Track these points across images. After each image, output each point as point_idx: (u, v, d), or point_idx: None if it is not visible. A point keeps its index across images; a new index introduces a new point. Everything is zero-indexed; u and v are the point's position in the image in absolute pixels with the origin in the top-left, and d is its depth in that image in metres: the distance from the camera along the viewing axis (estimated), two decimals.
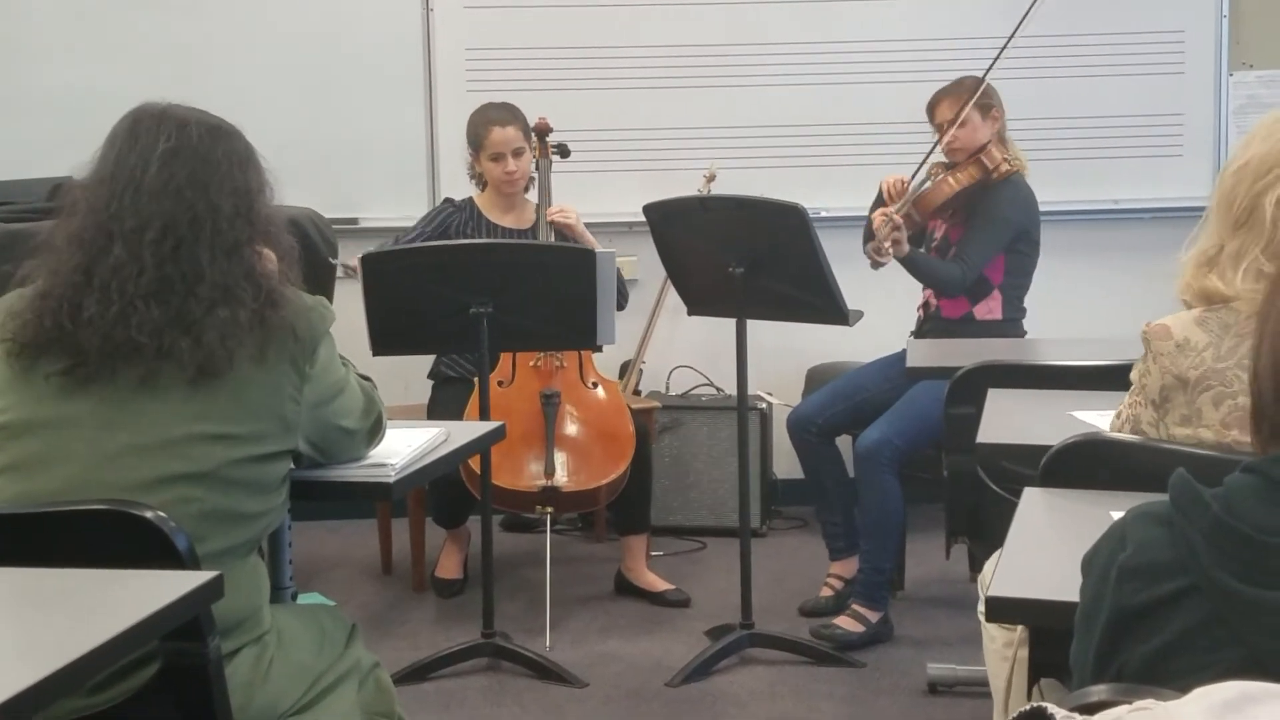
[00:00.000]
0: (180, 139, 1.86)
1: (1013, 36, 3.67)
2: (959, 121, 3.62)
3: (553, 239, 3.92)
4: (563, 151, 4.00)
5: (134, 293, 1.80)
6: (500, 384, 3.82)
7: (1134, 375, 2.00)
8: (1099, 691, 1.10)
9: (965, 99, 3.64)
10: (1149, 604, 1.13)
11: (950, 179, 3.64)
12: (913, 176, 3.67)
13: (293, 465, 1.99)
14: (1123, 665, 1.14)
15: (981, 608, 2.28)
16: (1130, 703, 0.98)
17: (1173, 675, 1.09)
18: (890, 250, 3.53)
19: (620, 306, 3.87)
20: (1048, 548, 1.71)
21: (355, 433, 2.03)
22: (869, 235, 3.65)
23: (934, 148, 3.68)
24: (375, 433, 2.08)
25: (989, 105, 3.68)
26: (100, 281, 1.80)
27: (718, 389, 4.56)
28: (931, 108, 3.72)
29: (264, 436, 1.85)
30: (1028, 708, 0.97)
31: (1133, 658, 1.14)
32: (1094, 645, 1.16)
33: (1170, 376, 1.90)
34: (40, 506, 1.73)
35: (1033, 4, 3.71)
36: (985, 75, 3.67)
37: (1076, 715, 0.95)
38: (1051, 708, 0.95)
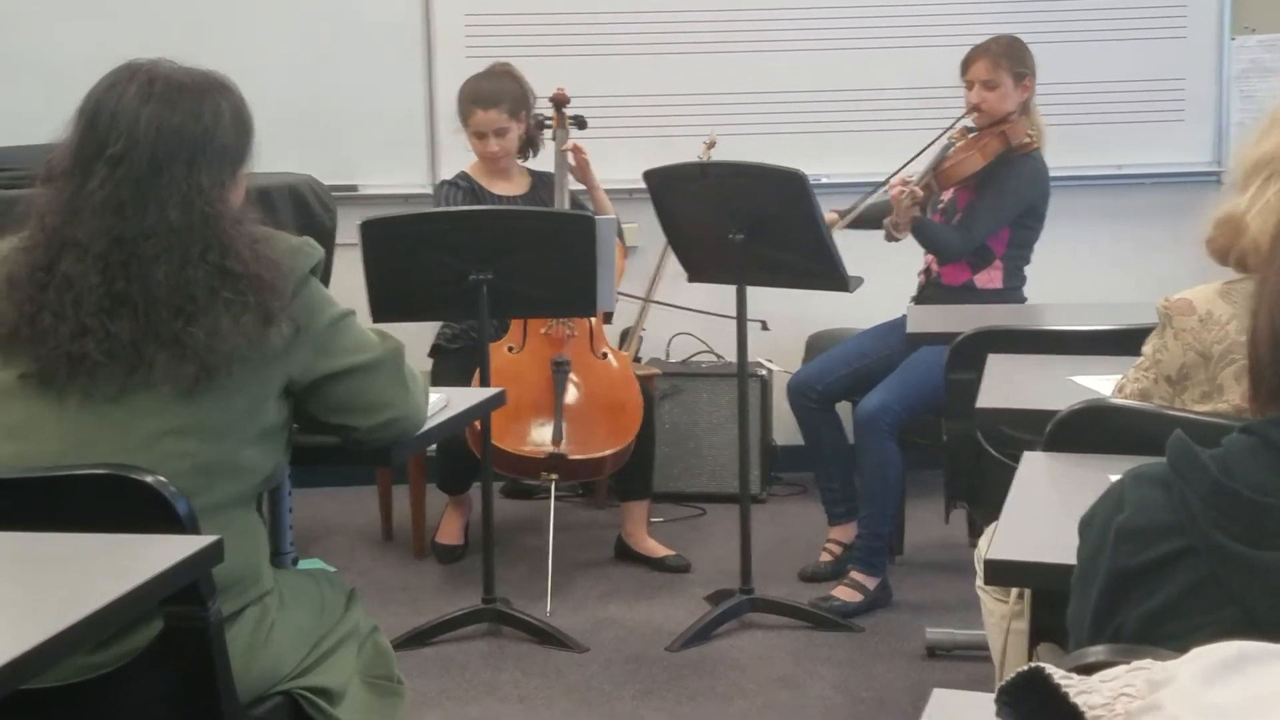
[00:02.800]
0: (128, 143, 1.78)
1: None
2: (992, 86, 3.60)
3: (566, 197, 3.91)
4: (580, 123, 3.99)
5: (87, 309, 1.76)
6: (510, 349, 3.82)
7: (1147, 350, 1.95)
8: (1096, 652, 1.10)
9: (1003, 64, 3.61)
10: (1146, 565, 1.13)
11: (976, 154, 3.61)
12: (925, 148, 3.66)
13: (358, 440, 1.94)
14: (1120, 626, 1.14)
15: (980, 581, 2.29)
16: (1128, 663, 0.98)
17: (1170, 636, 1.10)
18: (909, 225, 3.52)
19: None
20: (1047, 511, 1.71)
21: (379, 363, 1.92)
22: (875, 215, 3.65)
23: (963, 117, 3.65)
24: (399, 360, 1.97)
25: (1023, 73, 3.65)
26: (56, 288, 1.77)
27: (718, 356, 4.56)
28: (967, 64, 3.68)
29: (253, 377, 1.82)
30: (1025, 668, 0.97)
31: (1130, 619, 1.14)
32: (1091, 606, 1.16)
33: (1193, 353, 1.86)
34: (40, 471, 1.73)
35: None
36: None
37: (1074, 675, 0.95)
38: (1049, 668, 0.95)
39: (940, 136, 3.67)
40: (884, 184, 3.64)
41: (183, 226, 1.79)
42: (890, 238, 3.61)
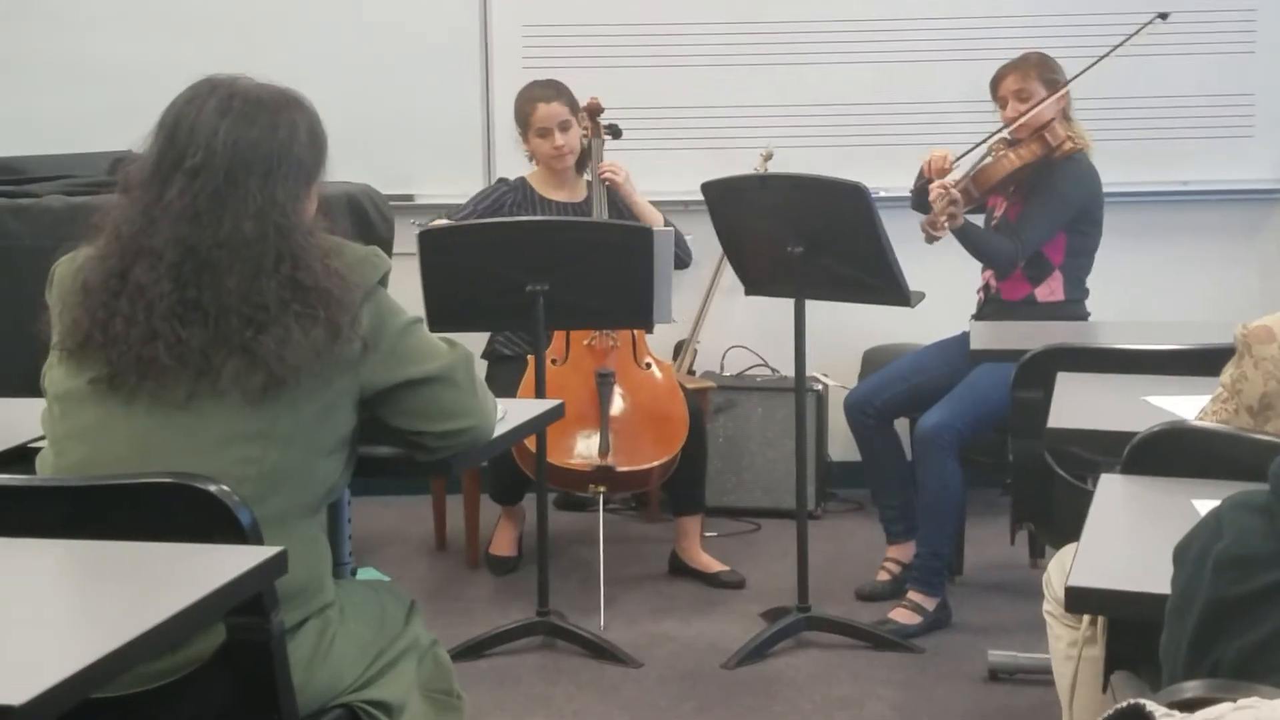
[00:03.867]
0: (206, 154, 1.80)
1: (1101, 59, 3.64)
2: (1024, 96, 3.57)
3: (605, 209, 3.90)
4: (614, 132, 3.98)
5: (158, 314, 1.77)
6: (554, 362, 3.80)
7: (1225, 379, 1.90)
8: (1193, 687, 1.06)
9: (1033, 74, 3.58)
10: (1247, 596, 1.09)
11: (1011, 155, 3.58)
12: (964, 155, 3.61)
13: (427, 447, 1.93)
14: (1218, 659, 1.10)
15: (1047, 605, 2.24)
16: (1228, 699, 0.94)
17: (1271, 670, 1.05)
18: (945, 224, 3.48)
19: (685, 264, 3.87)
20: (1128, 537, 1.66)
21: (453, 370, 1.91)
22: (921, 205, 3.61)
23: (1004, 128, 3.61)
24: (471, 368, 1.96)
25: (1054, 81, 3.62)
26: (129, 295, 1.79)
27: (773, 370, 4.52)
28: (996, 81, 3.66)
29: (324, 387, 1.82)
30: (1124, 704, 0.93)
31: (1228, 651, 1.09)
32: (1187, 638, 1.12)
33: (1275, 382, 1.79)
34: (105, 479, 1.73)
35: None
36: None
37: (1176, 713, 0.91)
38: (1149, 704, 0.92)
39: (979, 145, 3.62)
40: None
41: (256, 238, 1.80)
42: (929, 238, 3.56)
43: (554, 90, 3.88)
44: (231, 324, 1.77)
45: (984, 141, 3.64)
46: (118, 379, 1.79)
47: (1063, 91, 3.59)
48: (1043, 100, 3.57)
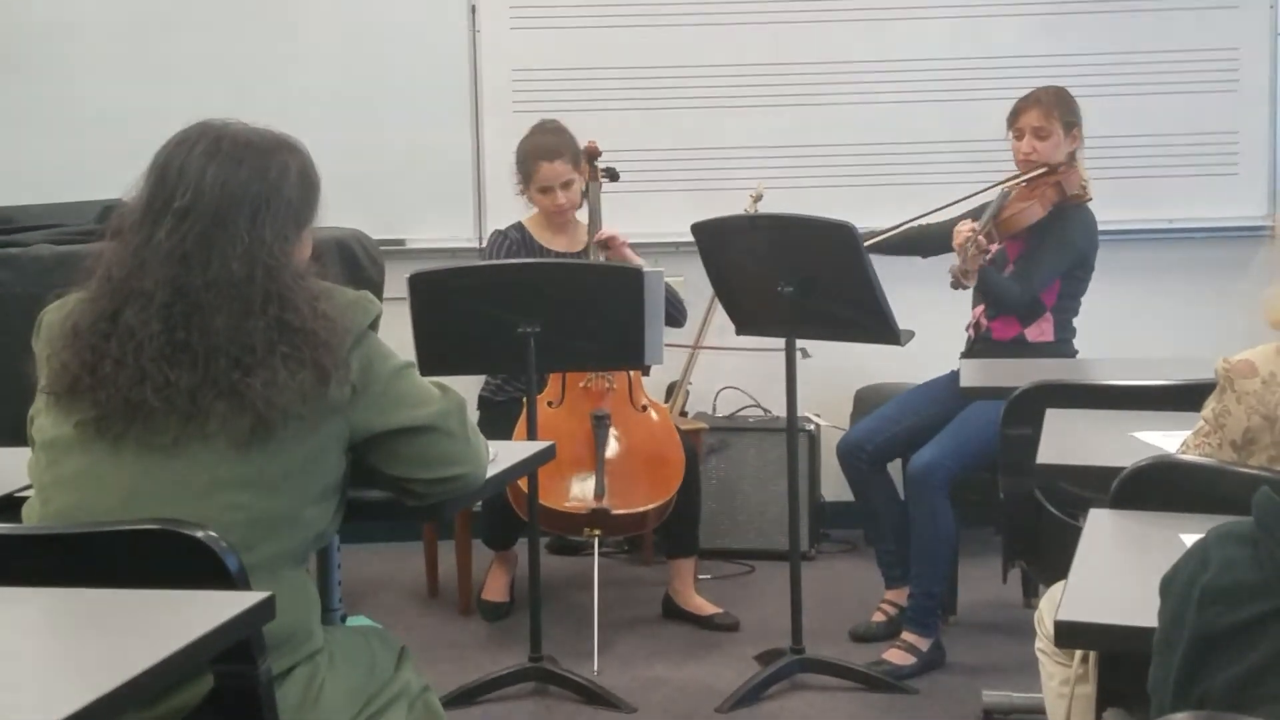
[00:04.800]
0: (194, 196, 1.81)
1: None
2: (1043, 135, 3.59)
3: (603, 260, 3.91)
4: (612, 175, 3.99)
5: (147, 355, 1.77)
6: (550, 404, 3.80)
7: (1207, 414, 1.90)
8: (1180, 718, 1.05)
9: (1055, 114, 3.60)
10: (1233, 627, 1.09)
11: (1037, 204, 3.59)
12: (982, 189, 3.63)
13: (417, 493, 1.92)
14: (1205, 691, 1.10)
15: (1039, 644, 2.23)
16: None
17: (1259, 701, 1.05)
18: (975, 274, 3.49)
19: (679, 324, 3.87)
20: (1117, 571, 1.66)
21: (445, 418, 1.90)
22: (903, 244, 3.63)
23: (1017, 178, 3.62)
24: (463, 415, 1.96)
25: (1072, 123, 3.64)
26: (119, 337, 1.79)
27: (765, 410, 4.52)
28: (1016, 114, 3.66)
29: (312, 432, 1.82)
30: None
31: (1216, 683, 1.09)
32: (1174, 670, 1.12)
33: (1258, 416, 1.81)
34: (92, 526, 1.72)
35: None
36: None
37: None
38: None
39: (991, 187, 3.64)
40: (915, 220, 3.63)
41: (244, 278, 1.80)
42: (958, 285, 3.55)
43: (559, 146, 3.85)
44: (220, 365, 1.78)
45: (1000, 183, 3.65)
46: (104, 422, 1.79)
47: (1032, 175, 3.60)
48: (1057, 166, 3.59)
